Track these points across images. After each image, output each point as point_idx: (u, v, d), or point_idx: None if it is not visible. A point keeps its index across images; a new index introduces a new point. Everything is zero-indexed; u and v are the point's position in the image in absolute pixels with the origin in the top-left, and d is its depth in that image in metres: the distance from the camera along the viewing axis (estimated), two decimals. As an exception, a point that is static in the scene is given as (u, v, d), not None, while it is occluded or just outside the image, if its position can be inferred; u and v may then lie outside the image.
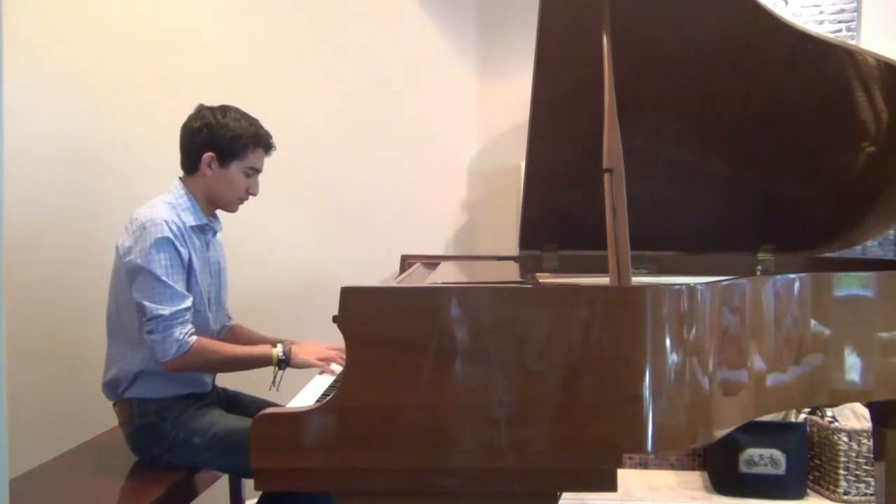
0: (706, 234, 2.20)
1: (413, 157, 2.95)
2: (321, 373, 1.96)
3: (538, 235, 2.24)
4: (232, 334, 2.11)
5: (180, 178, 1.95)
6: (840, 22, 2.92)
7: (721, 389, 1.46)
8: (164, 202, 1.87)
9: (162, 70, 2.72)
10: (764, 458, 2.65)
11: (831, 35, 2.76)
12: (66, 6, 2.64)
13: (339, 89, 2.89)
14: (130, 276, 1.78)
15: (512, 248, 2.53)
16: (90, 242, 2.59)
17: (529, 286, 1.54)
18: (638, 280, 1.60)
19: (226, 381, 2.07)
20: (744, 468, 2.66)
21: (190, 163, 1.92)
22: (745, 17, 1.79)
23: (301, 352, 1.90)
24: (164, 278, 1.76)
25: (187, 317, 1.78)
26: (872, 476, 2.58)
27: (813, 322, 1.73)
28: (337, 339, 1.53)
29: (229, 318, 2.14)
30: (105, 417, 1.99)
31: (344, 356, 1.67)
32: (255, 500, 1.90)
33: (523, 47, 2.17)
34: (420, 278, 2.13)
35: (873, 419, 2.12)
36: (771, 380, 1.62)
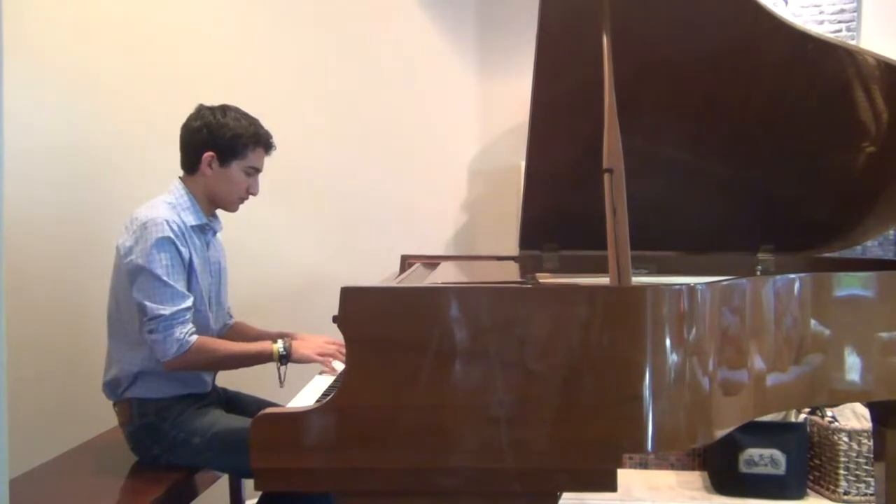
0: (706, 234, 2.20)
1: (413, 157, 2.95)
2: (321, 372, 1.96)
3: (538, 235, 2.24)
4: (233, 332, 2.11)
5: (180, 177, 1.95)
6: (840, 22, 2.92)
7: (721, 389, 1.46)
8: (165, 202, 1.87)
9: (162, 70, 2.72)
10: (764, 458, 2.65)
11: (831, 35, 2.76)
12: (66, 6, 2.64)
13: (339, 89, 2.89)
14: (131, 276, 1.79)
15: (512, 248, 2.53)
16: (90, 242, 2.59)
17: (529, 286, 1.53)
18: (638, 280, 1.60)
19: (226, 380, 2.07)
20: (744, 468, 2.66)
21: (190, 162, 1.92)
22: (745, 17, 1.79)
23: (301, 347, 1.90)
24: (164, 278, 1.76)
25: (188, 316, 1.78)
26: (872, 476, 2.57)
27: (813, 322, 1.73)
28: (337, 337, 1.54)
29: (230, 316, 2.14)
30: (105, 417, 1.99)
31: (344, 351, 1.68)
32: (255, 500, 1.90)
33: (523, 47, 2.17)
34: (420, 278, 2.13)
35: (873, 419, 2.12)
36: (771, 380, 1.62)
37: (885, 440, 2.02)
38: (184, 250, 1.82)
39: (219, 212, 2.01)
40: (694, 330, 1.41)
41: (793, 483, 2.66)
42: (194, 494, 1.89)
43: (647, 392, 1.34)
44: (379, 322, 1.38)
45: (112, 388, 1.89)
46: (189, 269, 1.84)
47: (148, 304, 1.75)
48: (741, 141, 2.05)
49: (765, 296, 1.62)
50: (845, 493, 2.63)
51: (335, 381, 1.88)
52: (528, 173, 2.08)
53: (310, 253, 2.88)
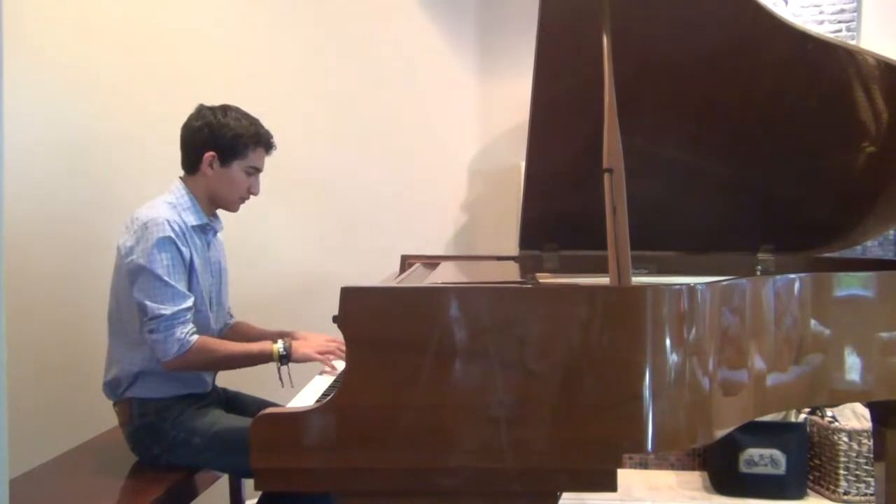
0: (706, 234, 2.20)
1: (413, 158, 2.95)
2: (321, 372, 1.96)
3: (538, 235, 2.24)
4: (234, 332, 2.11)
5: (181, 177, 1.95)
6: (840, 22, 2.93)
7: (721, 389, 1.46)
8: (165, 202, 1.87)
9: (162, 69, 2.71)
10: (764, 458, 2.65)
11: (831, 35, 2.76)
12: (66, 5, 2.64)
13: (339, 89, 2.89)
14: (132, 276, 1.79)
15: (512, 248, 2.53)
16: (90, 242, 2.59)
17: (529, 286, 1.53)
18: (638, 280, 1.60)
19: (226, 380, 2.07)
20: (744, 468, 2.66)
21: (191, 162, 1.92)
22: (745, 17, 1.79)
23: (301, 346, 1.90)
24: (165, 278, 1.76)
25: (189, 316, 1.78)
26: (872, 476, 2.57)
27: (813, 322, 1.73)
28: (337, 337, 1.53)
29: (231, 316, 2.14)
30: (105, 417, 1.99)
31: (343, 348, 1.68)
32: (255, 500, 1.90)
33: (523, 47, 2.17)
34: (420, 278, 2.13)
35: (873, 419, 2.12)
36: (771, 380, 1.62)
37: (885, 440, 2.02)
38: (185, 250, 1.82)
39: (219, 211, 2.01)
40: (694, 330, 1.41)
41: (793, 483, 2.66)
42: (194, 494, 1.89)
43: (647, 392, 1.34)
44: (379, 322, 1.38)
45: (112, 387, 1.89)
46: (190, 269, 1.85)
47: (149, 303, 1.75)
48: (741, 141, 2.05)
49: (765, 296, 1.62)
50: (845, 493, 2.63)
51: (335, 381, 1.88)
52: (528, 173, 2.08)
53: (310, 253, 2.88)
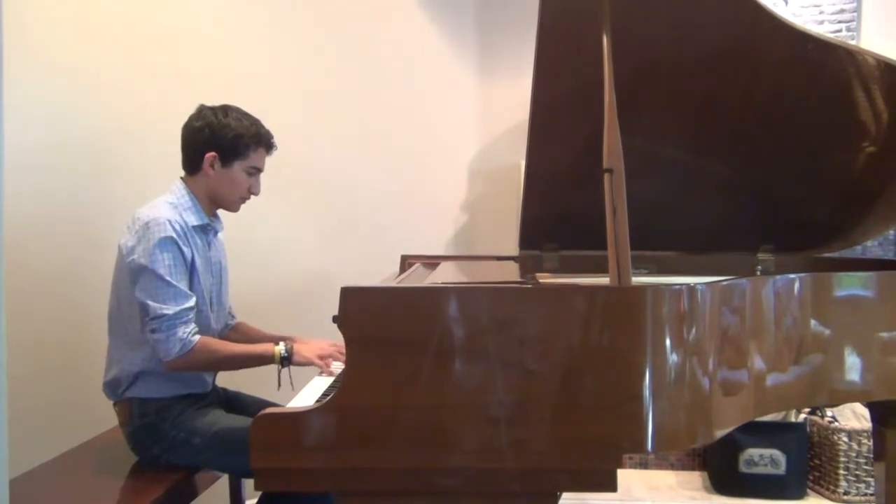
0: (706, 234, 2.20)
1: (413, 158, 2.95)
2: (321, 373, 1.96)
3: (538, 235, 2.24)
4: (235, 332, 2.11)
5: (182, 178, 1.95)
6: (840, 22, 2.92)
7: (721, 389, 1.46)
8: (166, 202, 1.87)
9: (162, 69, 2.71)
10: (764, 458, 2.65)
11: (831, 35, 2.76)
12: (66, 5, 2.64)
13: (339, 89, 2.89)
14: (133, 276, 1.79)
15: (512, 248, 2.53)
16: (90, 242, 2.59)
17: (529, 286, 1.53)
18: (638, 280, 1.60)
19: (226, 380, 2.07)
20: (744, 468, 2.66)
21: (192, 163, 1.92)
22: (745, 17, 1.79)
23: (303, 349, 1.90)
24: (167, 278, 1.76)
25: (191, 316, 1.79)
26: (872, 476, 2.57)
27: (813, 322, 1.73)
28: (337, 339, 1.53)
29: (232, 316, 2.15)
30: (105, 417, 1.99)
31: (343, 352, 1.67)
32: (255, 500, 1.90)
33: (523, 47, 2.17)
34: (420, 278, 2.13)
35: (873, 419, 2.12)
36: (771, 380, 1.62)
37: (885, 440, 2.02)
38: (186, 250, 1.83)
39: (219, 211, 2.01)
40: (694, 330, 1.41)
41: (793, 483, 2.66)
42: (194, 494, 1.89)
43: (647, 392, 1.34)
44: (379, 322, 1.38)
45: (112, 387, 1.89)
46: (191, 269, 1.85)
47: (151, 303, 1.75)
48: (741, 141, 2.05)
49: (765, 296, 1.62)
50: (845, 493, 2.63)
51: (335, 381, 1.88)
52: (528, 173, 2.08)
53: (310, 253, 2.88)
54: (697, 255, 2.28)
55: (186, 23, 2.76)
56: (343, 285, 1.36)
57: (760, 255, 2.27)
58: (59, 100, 2.63)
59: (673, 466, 2.93)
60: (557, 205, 2.12)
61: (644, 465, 2.93)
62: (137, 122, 2.68)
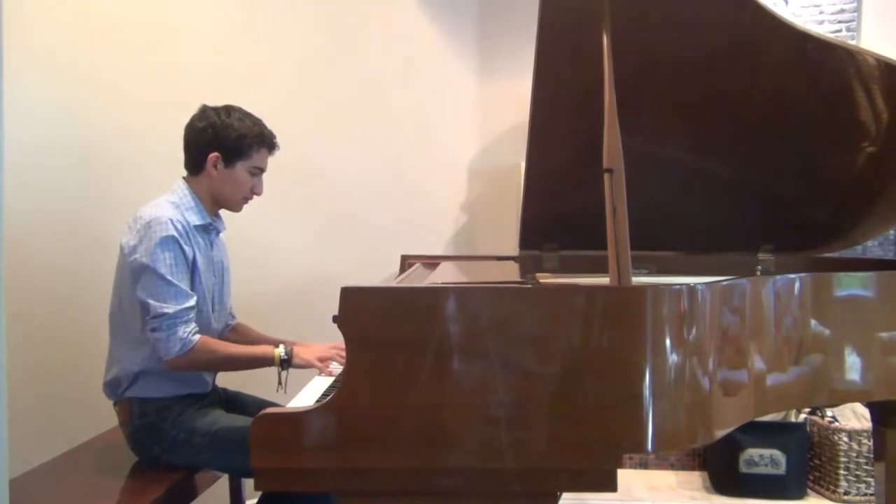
0: (706, 234, 2.20)
1: (413, 157, 2.95)
2: (321, 374, 1.96)
3: (538, 235, 2.24)
4: (235, 333, 2.11)
5: (184, 177, 1.95)
6: (840, 22, 2.92)
7: (721, 389, 1.46)
8: (168, 202, 1.87)
9: (163, 69, 2.71)
10: (764, 458, 2.65)
11: (831, 35, 2.76)
12: (67, 5, 2.64)
13: (339, 89, 2.89)
14: (135, 275, 1.79)
15: (512, 248, 2.53)
16: (91, 242, 2.59)
17: (529, 286, 1.53)
18: (638, 280, 1.60)
19: (226, 381, 2.07)
20: (744, 468, 2.66)
21: (195, 163, 1.92)
22: (745, 17, 1.79)
23: (303, 352, 1.90)
24: (168, 277, 1.76)
25: (191, 315, 1.79)
26: (872, 476, 2.57)
27: (813, 322, 1.73)
28: (337, 339, 1.53)
29: (233, 317, 2.15)
30: (105, 417, 1.99)
31: (343, 354, 1.67)
32: (255, 500, 1.90)
33: (523, 47, 2.16)
34: (420, 278, 2.13)
35: (873, 419, 2.12)
36: (771, 380, 1.62)
37: (885, 440, 2.02)
38: (188, 249, 1.83)
39: (221, 211, 2.01)
40: (694, 330, 1.41)
41: (793, 483, 2.66)
42: (194, 494, 1.89)
43: (647, 392, 1.34)
44: (379, 322, 1.38)
45: (112, 387, 1.89)
46: (192, 269, 1.85)
47: (152, 302, 1.75)
48: (741, 141, 2.05)
49: (765, 296, 1.62)
50: (845, 493, 2.63)
51: (335, 381, 1.88)
52: (528, 173, 2.08)
53: (310, 253, 2.88)
54: (697, 255, 2.28)
55: (186, 23, 2.76)
56: (343, 285, 1.36)
57: (760, 255, 2.27)
58: (59, 100, 2.63)
59: (673, 466, 2.93)
60: (557, 205, 2.12)
61: (644, 465, 2.93)
62: (137, 122, 2.68)
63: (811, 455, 2.74)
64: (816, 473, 2.73)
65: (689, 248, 2.29)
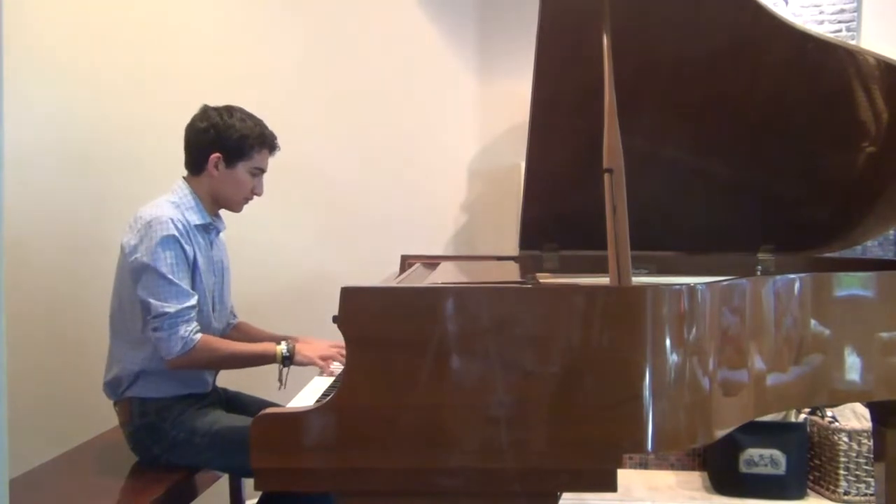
0: (706, 234, 2.20)
1: (413, 157, 2.95)
2: (321, 373, 1.96)
3: (538, 235, 2.24)
4: (236, 332, 2.11)
5: (184, 177, 1.95)
6: (840, 22, 2.92)
7: (721, 389, 1.46)
8: (169, 201, 1.87)
9: (162, 69, 2.71)
10: (764, 458, 2.65)
11: (831, 35, 2.76)
12: (67, 5, 2.64)
13: (339, 89, 2.89)
14: (136, 274, 1.79)
15: (512, 248, 2.53)
16: (92, 242, 2.59)
17: (529, 286, 1.53)
18: (638, 280, 1.60)
19: (226, 380, 2.07)
20: (744, 468, 2.66)
21: (196, 163, 1.92)
22: (745, 17, 1.79)
23: (304, 349, 1.90)
24: (169, 276, 1.76)
25: (193, 315, 1.79)
26: (872, 476, 2.57)
27: (813, 322, 1.73)
28: (338, 339, 1.53)
29: (234, 316, 2.15)
30: (105, 417, 1.99)
31: (344, 353, 1.67)
32: (256, 500, 1.90)
33: (523, 47, 2.16)
34: (420, 278, 2.13)
35: (873, 419, 2.12)
36: (771, 380, 1.62)
37: (885, 440, 2.02)
38: (188, 249, 1.83)
39: (221, 211, 2.01)
40: (694, 330, 1.41)
41: (793, 483, 2.66)
42: (194, 494, 1.89)
43: (647, 392, 1.34)
44: (379, 322, 1.38)
45: (113, 387, 1.89)
46: (193, 268, 1.85)
47: (153, 301, 1.75)
48: (741, 141, 2.05)
49: (765, 296, 1.62)
50: (845, 493, 2.63)
51: (335, 381, 1.88)
52: (528, 173, 2.08)
53: (310, 253, 2.88)
54: (697, 255, 2.28)
55: (186, 23, 2.76)
56: (343, 285, 1.36)
57: (760, 255, 2.27)
58: (59, 100, 2.64)
59: (673, 466, 2.93)
60: (557, 205, 2.12)
61: (644, 465, 2.93)
62: (138, 122, 2.68)
63: (811, 455, 2.74)
64: (816, 473, 2.73)
65: (689, 248, 2.29)
